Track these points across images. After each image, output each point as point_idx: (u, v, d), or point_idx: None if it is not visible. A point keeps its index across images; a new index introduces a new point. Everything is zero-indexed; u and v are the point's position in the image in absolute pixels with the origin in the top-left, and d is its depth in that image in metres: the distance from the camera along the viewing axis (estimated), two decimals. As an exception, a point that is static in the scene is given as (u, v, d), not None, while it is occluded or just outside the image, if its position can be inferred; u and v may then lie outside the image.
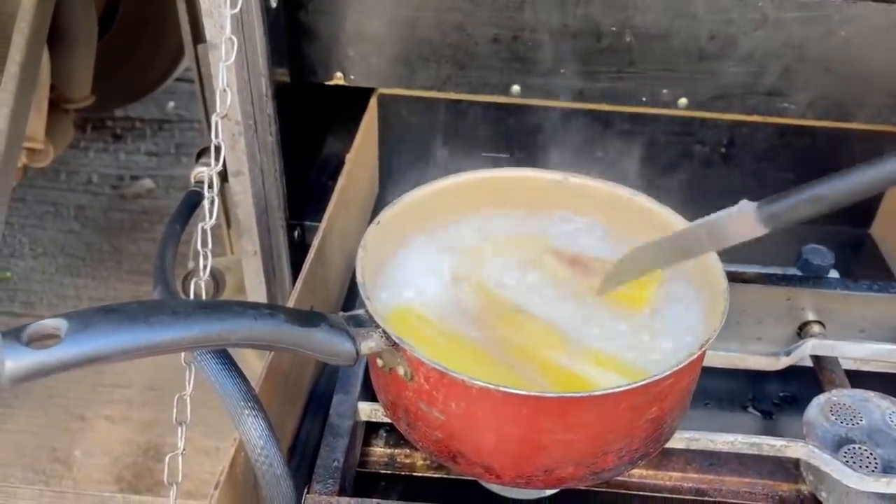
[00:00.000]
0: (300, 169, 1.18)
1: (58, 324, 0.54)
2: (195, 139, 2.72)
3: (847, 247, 1.25)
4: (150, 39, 2.37)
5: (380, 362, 0.70)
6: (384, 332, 0.67)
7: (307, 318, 0.64)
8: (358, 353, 0.66)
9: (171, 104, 2.88)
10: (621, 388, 0.63)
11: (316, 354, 0.65)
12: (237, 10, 0.81)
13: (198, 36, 1.48)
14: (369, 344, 0.66)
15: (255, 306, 0.62)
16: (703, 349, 0.67)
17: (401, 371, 0.68)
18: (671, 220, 0.81)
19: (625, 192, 0.84)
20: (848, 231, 1.26)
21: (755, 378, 1.01)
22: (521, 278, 0.81)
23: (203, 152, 1.16)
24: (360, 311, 0.69)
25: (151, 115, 2.83)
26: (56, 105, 1.85)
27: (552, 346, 0.73)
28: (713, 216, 0.66)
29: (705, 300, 0.76)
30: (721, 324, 0.69)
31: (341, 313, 0.68)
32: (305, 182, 1.21)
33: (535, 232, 0.86)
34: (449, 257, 0.82)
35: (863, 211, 1.25)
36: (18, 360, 0.52)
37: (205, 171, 1.07)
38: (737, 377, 1.01)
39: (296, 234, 1.14)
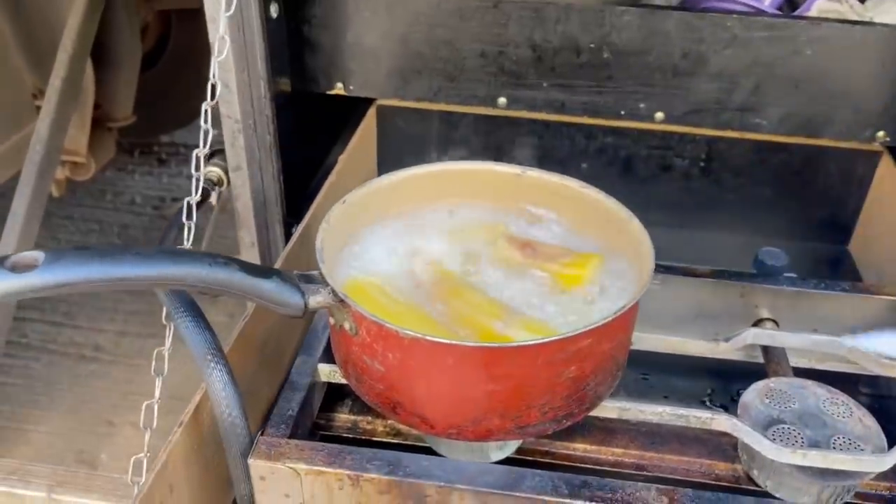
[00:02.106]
0: (302, 172, 1.27)
1: (36, 255, 0.63)
2: (236, 165, 2.86)
3: (825, 263, 1.29)
4: (197, 70, 2.51)
5: (332, 320, 0.78)
6: (332, 289, 0.74)
7: (261, 270, 0.72)
8: (306, 304, 0.73)
9: (215, 132, 3.02)
10: (536, 342, 0.70)
11: (266, 303, 0.72)
12: (231, 12, 0.91)
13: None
14: (317, 298, 0.74)
15: (213, 255, 0.70)
16: (617, 315, 0.73)
17: (347, 326, 0.75)
18: (617, 210, 0.87)
19: (575, 184, 0.91)
20: (825, 248, 1.30)
21: (715, 376, 1.05)
22: (474, 258, 0.87)
23: (215, 154, 1.26)
24: (314, 272, 0.76)
25: (196, 141, 2.96)
26: (100, 123, 1.99)
27: (493, 315, 0.80)
28: None
29: (639, 280, 0.81)
30: (640, 292, 0.75)
31: (295, 271, 0.76)
32: (307, 186, 1.30)
33: (494, 220, 0.93)
34: (409, 238, 0.89)
35: (841, 227, 1.29)
36: (1, 282, 0.61)
37: (215, 171, 1.18)
38: (698, 375, 1.05)
39: (293, 230, 1.22)
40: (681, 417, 0.83)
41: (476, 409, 0.73)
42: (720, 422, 0.83)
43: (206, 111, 0.90)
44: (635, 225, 0.85)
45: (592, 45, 1.15)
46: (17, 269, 0.63)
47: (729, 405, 1.04)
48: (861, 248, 1.28)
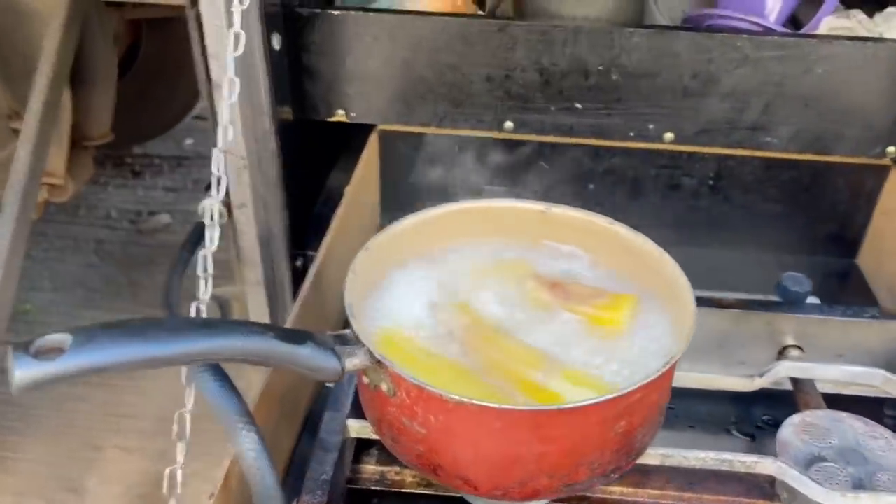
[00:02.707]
0: (304, 201, 1.23)
1: (63, 338, 0.59)
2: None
3: (833, 277, 1.29)
4: (168, 79, 2.46)
5: (366, 380, 0.74)
6: (368, 350, 0.71)
7: (295, 336, 0.69)
8: (343, 369, 0.70)
9: (189, 141, 2.96)
10: (590, 402, 0.67)
11: (303, 370, 0.69)
12: (240, 52, 0.86)
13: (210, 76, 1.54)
14: (354, 361, 0.71)
15: (246, 324, 0.66)
16: (668, 367, 0.71)
17: (384, 387, 0.72)
18: (646, 247, 0.85)
19: (603, 221, 0.88)
20: (834, 261, 1.29)
21: (738, 402, 1.04)
22: (503, 301, 0.85)
23: (210, 186, 1.21)
24: (347, 331, 0.73)
25: (170, 151, 2.92)
26: (76, 142, 1.93)
27: (530, 364, 0.77)
28: None
29: (676, 322, 0.80)
30: (687, 343, 0.73)
31: (328, 332, 0.73)
32: (310, 214, 1.27)
33: (520, 259, 0.90)
34: (435, 282, 0.86)
35: (849, 241, 1.28)
36: (26, 370, 0.57)
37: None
38: (721, 401, 1.04)
39: (298, 263, 1.19)
40: (724, 462, 0.81)
41: (524, 471, 0.71)
42: (765, 465, 0.81)
43: (217, 157, 0.86)
44: (667, 262, 0.83)
45: (601, 68, 1.13)
46: (41, 354, 0.59)
47: (755, 433, 1.03)
48: (870, 261, 1.27)
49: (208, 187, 1.23)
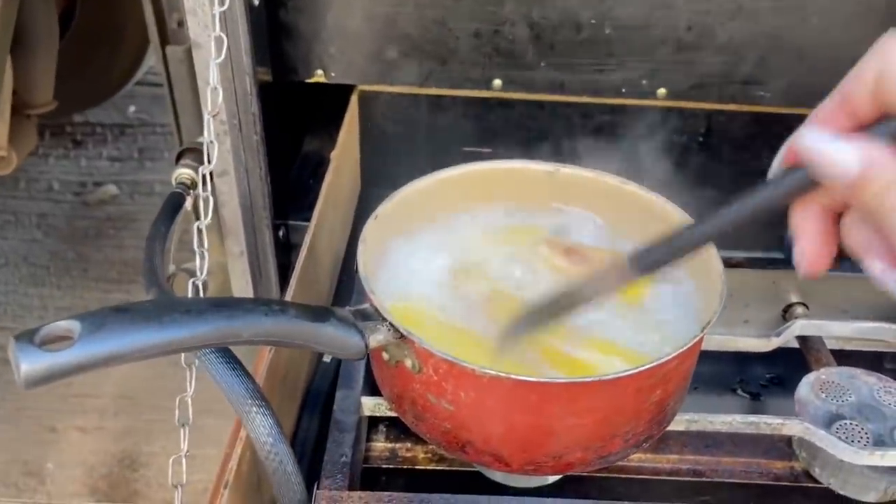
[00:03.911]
0: (283, 168, 1.17)
1: (70, 325, 0.54)
2: (158, 143, 2.69)
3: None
4: (108, 43, 2.33)
5: (385, 356, 0.70)
6: (391, 325, 0.67)
7: (316, 313, 0.64)
8: (367, 346, 0.66)
9: (132, 108, 2.83)
10: (629, 372, 0.64)
11: (326, 349, 0.65)
12: (225, 7, 0.80)
13: (165, 37, 1.46)
14: (377, 337, 0.66)
15: (266, 302, 0.61)
16: (705, 332, 0.68)
17: (408, 363, 0.68)
18: (663, 207, 0.83)
19: (615, 180, 0.85)
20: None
21: (742, 361, 1.03)
22: (519, 269, 0.81)
23: (184, 153, 1.14)
24: (366, 306, 0.69)
25: (112, 119, 2.78)
26: (18, 111, 1.82)
27: (554, 334, 0.74)
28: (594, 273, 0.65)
29: (701, 284, 0.77)
30: (720, 306, 0.70)
31: (347, 308, 0.68)
32: (287, 181, 1.21)
33: (530, 223, 0.86)
34: (446, 250, 0.82)
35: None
36: (33, 363, 0.52)
37: (187, 172, 1.06)
38: (724, 361, 1.02)
39: (280, 233, 1.13)
40: (751, 425, 0.80)
41: (558, 445, 0.68)
42: (791, 427, 0.80)
43: (208, 121, 0.80)
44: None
45: (594, 21, 1.09)
46: (47, 344, 0.53)
47: (761, 392, 1.02)
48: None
49: (180, 157, 1.16)
